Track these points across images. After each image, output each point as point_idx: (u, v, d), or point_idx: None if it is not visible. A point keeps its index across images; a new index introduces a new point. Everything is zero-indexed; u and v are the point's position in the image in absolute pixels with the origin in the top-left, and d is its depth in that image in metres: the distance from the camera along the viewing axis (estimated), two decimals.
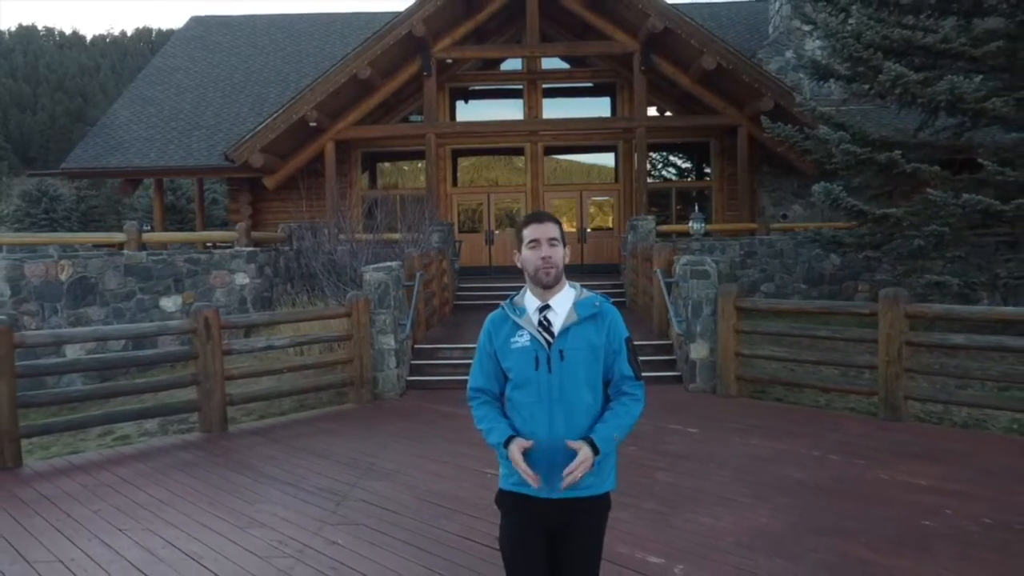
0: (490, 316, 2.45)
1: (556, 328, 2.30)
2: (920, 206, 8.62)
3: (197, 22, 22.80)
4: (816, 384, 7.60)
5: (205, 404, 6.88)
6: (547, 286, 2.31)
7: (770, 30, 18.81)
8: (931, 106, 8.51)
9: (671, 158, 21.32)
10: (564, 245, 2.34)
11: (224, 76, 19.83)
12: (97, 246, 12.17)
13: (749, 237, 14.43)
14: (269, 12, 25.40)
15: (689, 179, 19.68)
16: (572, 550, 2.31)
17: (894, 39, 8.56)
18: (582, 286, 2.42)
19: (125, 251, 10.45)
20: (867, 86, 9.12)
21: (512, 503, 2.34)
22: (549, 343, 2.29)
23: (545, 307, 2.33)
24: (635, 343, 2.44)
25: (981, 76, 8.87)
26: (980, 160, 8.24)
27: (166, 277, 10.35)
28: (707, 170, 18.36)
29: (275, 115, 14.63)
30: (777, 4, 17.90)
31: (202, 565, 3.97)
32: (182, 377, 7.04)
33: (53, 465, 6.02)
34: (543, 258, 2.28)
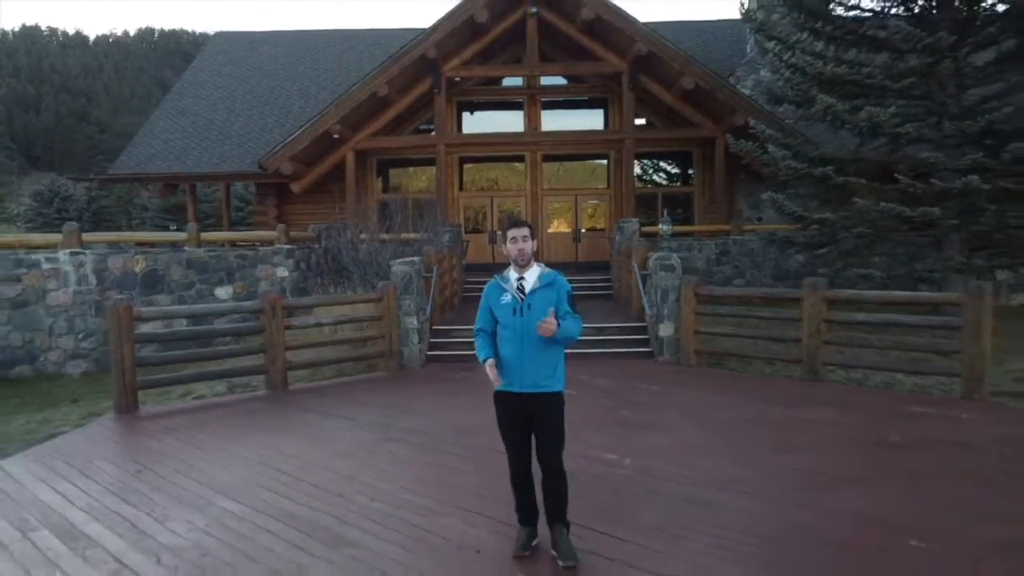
0: (488, 284, 4.18)
1: (527, 291, 4.02)
2: (850, 212, 10.43)
3: (222, 37, 24.66)
4: (756, 355, 9.43)
5: (271, 367, 8.71)
6: (521, 266, 4.02)
7: (748, 49, 20.64)
8: (856, 131, 10.33)
9: (661, 164, 23.15)
10: (533, 240, 4.07)
11: (249, 89, 21.65)
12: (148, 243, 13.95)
13: (724, 237, 16.25)
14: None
15: (675, 184, 21.49)
16: (541, 427, 3.99)
17: (827, 74, 10.39)
18: (564, 275, 4.18)
19: (186, 248, 12.29)
20: (811, 110, 10.95)
21: (500, 398, 4.04)
22: (522, 299, 4.00)
23: (520, 279, 4.01)
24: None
25: (903, 102, 10.65)
26: (896, 175, 10.04)
27: (220, 270, 12.19)
28: (691, 175, 20.17)
29: (303, 128, 16.48)
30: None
31: (299, 459, 5.81)
32: (252, 347, 8.87)
33: (165, 409, 7.86)
34: (519, 250, 3.99)
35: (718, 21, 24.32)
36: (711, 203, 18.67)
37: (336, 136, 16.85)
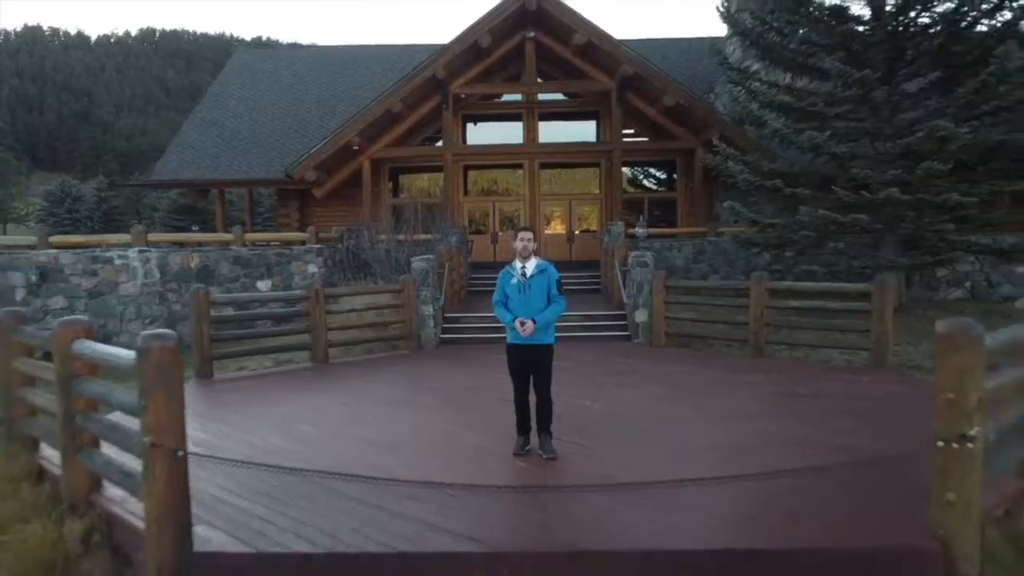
0: (501, 271, 6.12)
1: (528, 276, 5.98)
2: (795, 218, 12.38)
3: (245, 53, 26.63)
4: (715, 336, 11.38)
5: (315, 345, 10.66)
6: (524, 258, 5.98)
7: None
8: (800, 150, 12.27)
9: (649, 171, 25.10)
10: (535, 239, 6.04)
11: (271, 101, 23.60)
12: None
13: (701, 239, 18.21)
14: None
15: (660, 190, 23.43)
16: (537, 368, 5.96)
17: (776, 102, 12.35)
18: (556, 265, 6.15)
19: (233, 247, 14.25)
20: (763, 132, 12.88)
21: (510, 348, 6.00)
22: (524, 281, 5.96)
23: (523, 267, 5.99)
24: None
25: (843, 124, 12.60)
26: (834, 187, 12.00)
27: (261, 266, 14.17)
28: (675, 180, 22.13)
29: (326, 141, 18.44)
30: (731, 46, 21.70)
31: (351, 406, 7.76)
32: (299, 327, 10.82)
33: (234, 376, 9.82)
34: (524, 246, 5.96)
35: (704, 38, 26.26)
36: (692, 207, 20.63)
37: (355, 147, 18.81)
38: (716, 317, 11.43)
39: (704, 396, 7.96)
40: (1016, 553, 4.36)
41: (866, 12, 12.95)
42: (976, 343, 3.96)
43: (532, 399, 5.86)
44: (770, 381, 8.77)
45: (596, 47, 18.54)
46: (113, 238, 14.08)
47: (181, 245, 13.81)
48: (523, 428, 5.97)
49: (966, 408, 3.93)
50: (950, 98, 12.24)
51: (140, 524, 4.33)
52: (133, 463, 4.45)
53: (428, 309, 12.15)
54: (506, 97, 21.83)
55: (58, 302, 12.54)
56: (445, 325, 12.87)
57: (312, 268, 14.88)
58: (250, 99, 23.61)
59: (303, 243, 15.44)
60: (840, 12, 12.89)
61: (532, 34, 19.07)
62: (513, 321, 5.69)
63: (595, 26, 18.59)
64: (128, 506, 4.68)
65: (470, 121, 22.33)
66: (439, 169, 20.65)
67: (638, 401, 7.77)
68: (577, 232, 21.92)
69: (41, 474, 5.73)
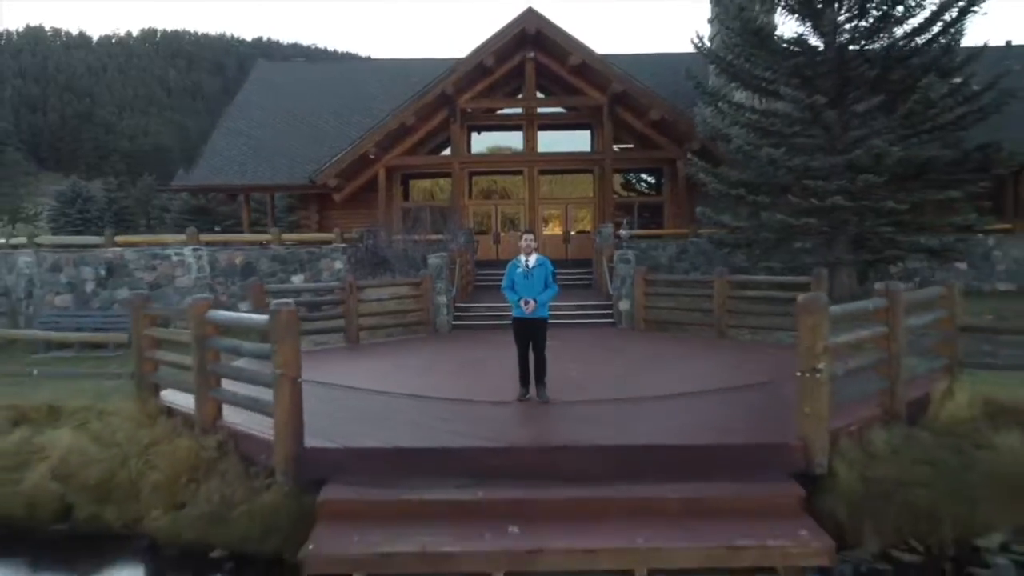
0: (509, 263, 8.19)
1: (529, 267, 8.03)
2: (756, 222, 14.47)
3: (264, 66, 28.71)
4: (687, 322, 13.45)
5: (349, 327, 12.71)
6: (528, 254, 8.04)
7: (709, 80, 24.67)
8: (761, 163, 14.34)
9: (641, 176, 27.17)
10: (535, 240, 8.11)
11: (289, 112, 25.66)
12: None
13: (684, 240, 20.28)
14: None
15: (650, 194, 25.52)
16: (536, 336, 8.03)
17: (741, 120, 14.46)
18: (552, 261, 8.21)
19: (272, 246, 16.33)
20: (730, 146, 15.00)
21: (516, 320, 8.05)
22: (527, 271, 8.02)
23: (527, 261, 8.04)
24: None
25: (801, 140, 14.65)
26: (789, 196, 14.08)
27: (295, 263, 16.26)
28: (662, 185, 24.22)
29: (345, 151, 20.54)
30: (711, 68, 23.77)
31: (386, 372, 9.84)
32: (335, 313, 12.88)
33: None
34: (527, 244, 8.03)
35: (690, 53, 28.34)
36: (677, 210, 22.70)
37: (371, 156, 20.88)
38: (687, 306, 13.51)
39: (667, 364, 10.03)
40: (859, 451, 6.43)
41: (820, 44, 15.07)
42: (823, 310, 6.04)
43: (531, 360, 7.95)
44: (719, 355, 10.84)
45: (589, 67, 20.62)
46: (170, 238, 16.19)
47: (226, 244, 15.93)
48: (524, 381, 8.02)
49: (816, 351, 6.00)
50: (891, 119, 14.33)
51: (260, 435, 6.42)
52: (257, 392, 6.51)
53: (442, 299, 14.20)
54: (507, 110, 23.91)
55: (123, 293, 14.61)
56: (456, 313, 14.92)
57: (338, 264, 16.99)
58: (271, 109, 25.67)
59: (330, 243, 17.56)
60: (798, 42, 14.97)
61: (532, 55, 21.16)
62: (519, 300, 7.75)
63: (588, 48, 20.68)
64: (249, 424, 6.74)
65: (475, 131, 24.40)
66: (447, 175, 22.72)
67: (616, 369, 9.85)
68: (573, 233, 23.99)
69: (169, 411, 7.78)
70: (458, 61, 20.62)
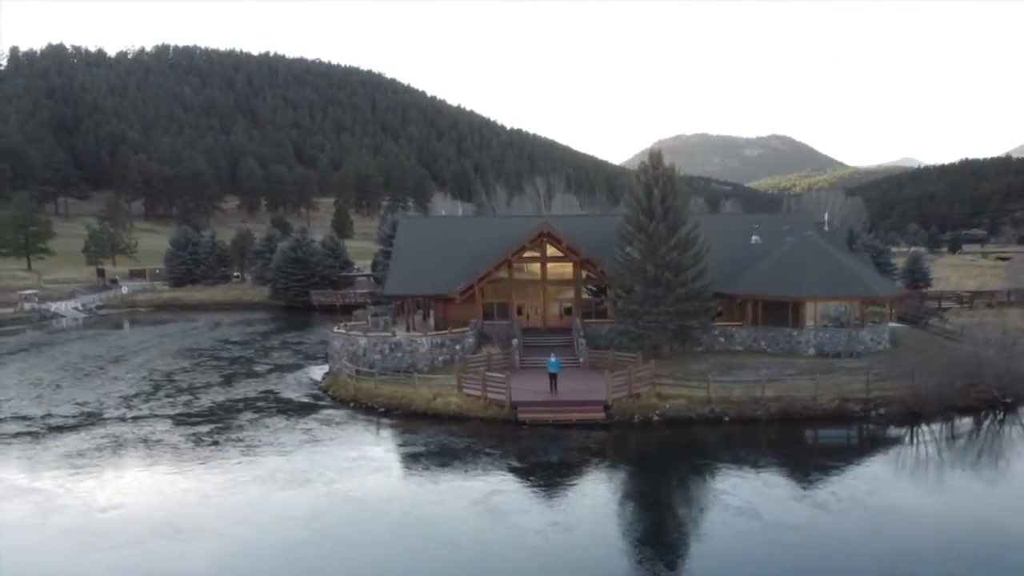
0: (547, 360, 34.53)
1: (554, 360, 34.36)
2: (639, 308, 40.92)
3: (407, 220, 56.02)
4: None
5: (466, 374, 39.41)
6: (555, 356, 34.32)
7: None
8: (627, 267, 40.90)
9: (594, 288, 53.90)
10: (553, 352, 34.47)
11: (432, 247, 51.96)
12: None
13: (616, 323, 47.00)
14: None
15: (598, 298, 52.30)
16: (555, 374, 34.47)
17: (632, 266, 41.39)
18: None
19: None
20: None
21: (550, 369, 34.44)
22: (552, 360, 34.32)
23: (554, 358, 34.28)
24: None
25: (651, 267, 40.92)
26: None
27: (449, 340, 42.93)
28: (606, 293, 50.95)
29: (471, 279, 47.14)
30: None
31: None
32: (458, 366, 39.57)
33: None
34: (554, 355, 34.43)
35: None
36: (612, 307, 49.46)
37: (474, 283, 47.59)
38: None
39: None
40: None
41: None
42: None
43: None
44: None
45: (572, 247, 47.37)
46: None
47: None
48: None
49: None
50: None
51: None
52: None
53: (518, 354, 40.94)
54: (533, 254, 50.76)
55: None
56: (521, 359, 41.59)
57: (468, 341, 43.43)
58: (419, 248, 51.94)
59: (466, 325, 43.93)
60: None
61: (545, 239, 48.04)
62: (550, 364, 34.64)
63: (572, 239, 47.42)
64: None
65: (519, 268, 51.05)
66: (507, 288, 49.47)
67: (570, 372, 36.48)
68: (564, 310, 50.81)
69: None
70: (512, 243, 47.47)
